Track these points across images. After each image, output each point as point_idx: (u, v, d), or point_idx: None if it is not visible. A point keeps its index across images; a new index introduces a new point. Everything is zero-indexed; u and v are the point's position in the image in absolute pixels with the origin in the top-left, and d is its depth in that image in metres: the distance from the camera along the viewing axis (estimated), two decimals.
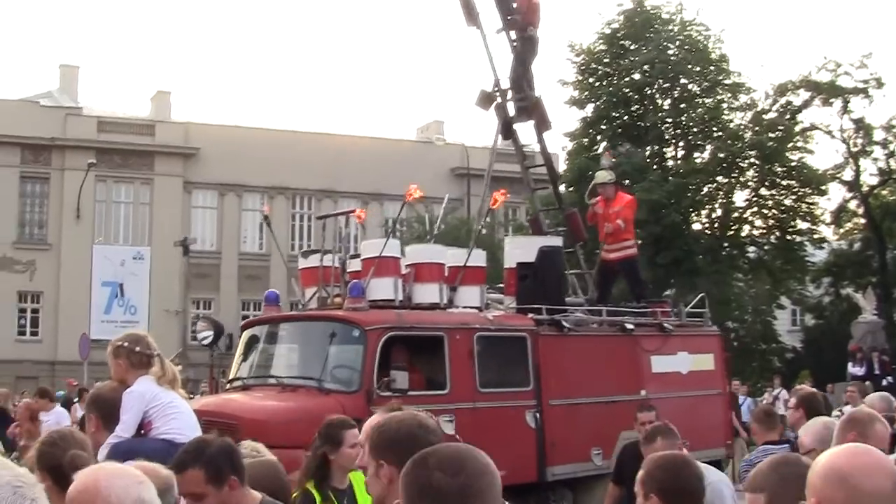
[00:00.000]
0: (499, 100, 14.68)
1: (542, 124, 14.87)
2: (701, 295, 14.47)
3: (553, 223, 16.65)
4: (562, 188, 29.56)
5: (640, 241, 36.40)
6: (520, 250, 12.75)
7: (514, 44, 14.58)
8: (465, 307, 11.81)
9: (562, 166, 38.93)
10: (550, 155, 15.69)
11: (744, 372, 37.33)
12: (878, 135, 39.18)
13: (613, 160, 15.76)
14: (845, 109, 38.65)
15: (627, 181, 36.77)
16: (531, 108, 14.64)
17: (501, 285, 13.07)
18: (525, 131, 15.36)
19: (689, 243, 36.63)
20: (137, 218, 45.57)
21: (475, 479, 2.47)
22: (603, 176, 14.33)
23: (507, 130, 14.84)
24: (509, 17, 14.52)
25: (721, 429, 14.01)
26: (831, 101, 38.51)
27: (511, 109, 14.77)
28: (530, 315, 12.05)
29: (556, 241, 13.28)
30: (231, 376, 12.01)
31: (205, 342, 10.53)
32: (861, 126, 38.83)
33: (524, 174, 15.31)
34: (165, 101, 48.64)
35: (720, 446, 13.69)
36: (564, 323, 12.18)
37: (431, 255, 11.97)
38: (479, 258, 12.10)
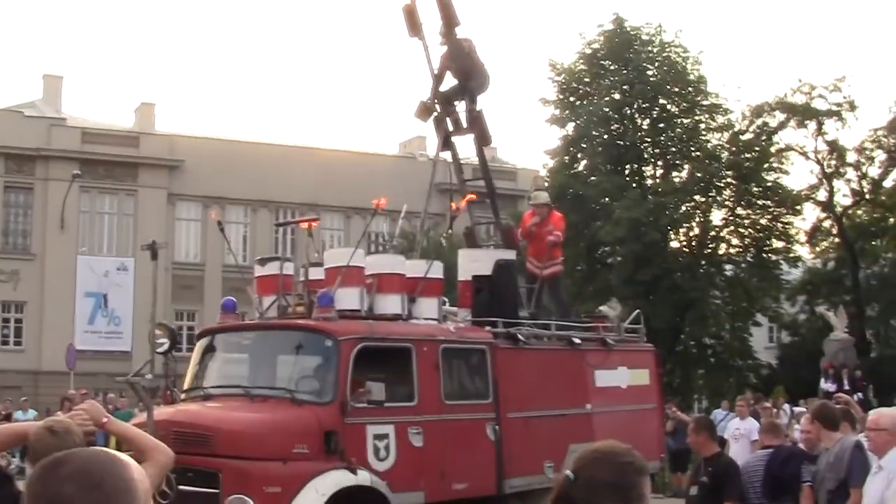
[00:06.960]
0: (438, 111, 14.62)
1: (482, 138, 14.86)
2: (637, 311, 14.71)
3: (487, 237, 16.88)
4: None
5: (619, 259, 37.10)
6: (475, 263, 12.72)
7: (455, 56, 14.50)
8: (424, 318, 11.78)
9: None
10: (489, 168, 15.62)
11: (721, 388, 37.78)
12: (851, 157, 39.73)
13: (546, 182, 16.16)
14: (819, 131, 39.15)
15: (607, 199, 37.31)
16: (471, 122, 14.62)
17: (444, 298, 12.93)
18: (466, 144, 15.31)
19: (667, 261, 37.03)
20: (121, 229, 45.61)
21: (114, 497, 2.10)
22: (542, 196, 14.67)
23: (445, 142, 14.83)
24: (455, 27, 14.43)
25: (655, 442, 14.20)
26: (806, 122, 39.02)
27: (450, 122, 14.70)
28: (487, 328, 12.12)
29: (511, 255, 13.28)
30: (187, 385, 11.76)
31: (160, 350, 10.50)
32: (835, 148, 39.31)
33: (461, 187, 15.19)
34: (150, 113, 48.82)
35: (655, 459, 13.86)
36: (520, 336, 12.27)
37: (392, 266, 11.83)
38: (437, 270, 12.10)
